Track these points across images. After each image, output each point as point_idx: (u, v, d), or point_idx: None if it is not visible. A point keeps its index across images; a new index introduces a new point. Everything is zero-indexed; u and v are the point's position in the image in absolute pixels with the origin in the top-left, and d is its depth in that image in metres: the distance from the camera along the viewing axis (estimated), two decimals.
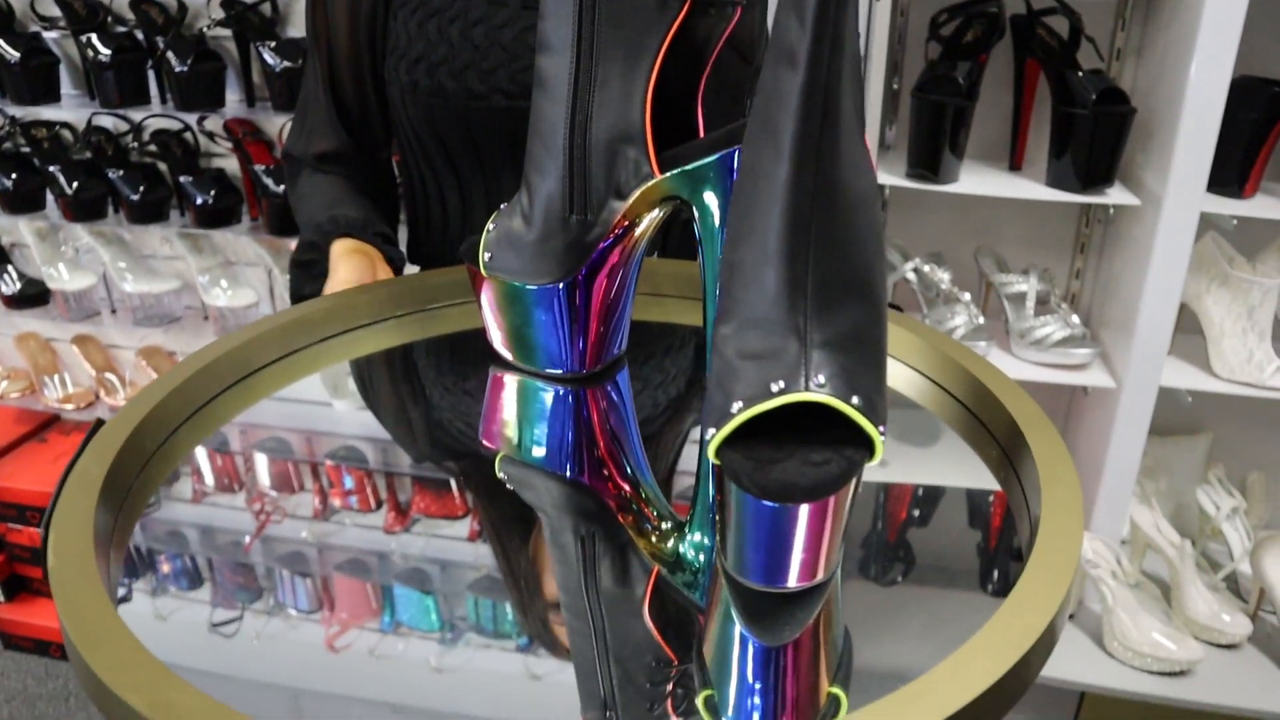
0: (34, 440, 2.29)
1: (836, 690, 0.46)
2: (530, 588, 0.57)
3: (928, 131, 1.56)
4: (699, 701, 0.45)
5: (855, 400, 0.45)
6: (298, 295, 0.97)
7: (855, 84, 0.44)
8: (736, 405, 0.45)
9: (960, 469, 0.71)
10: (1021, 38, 1.63)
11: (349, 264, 0.90)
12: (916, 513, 0.69)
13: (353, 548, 0.62)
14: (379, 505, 0.67)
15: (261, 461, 0.71)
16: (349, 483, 0.69)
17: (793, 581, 0.46)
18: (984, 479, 0.70)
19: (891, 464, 0.71)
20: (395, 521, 0.64)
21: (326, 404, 0.75)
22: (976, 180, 1.62)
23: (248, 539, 0.64)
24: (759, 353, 0.46)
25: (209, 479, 0.67)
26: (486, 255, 0.66)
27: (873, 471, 0.69)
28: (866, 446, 0.47)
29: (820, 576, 0.47)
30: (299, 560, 0.62)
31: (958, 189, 1.59)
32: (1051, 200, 1.58)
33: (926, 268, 1.68)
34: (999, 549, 0.65)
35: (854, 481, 0.46)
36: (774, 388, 0.45)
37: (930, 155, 1.57)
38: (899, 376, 0.76)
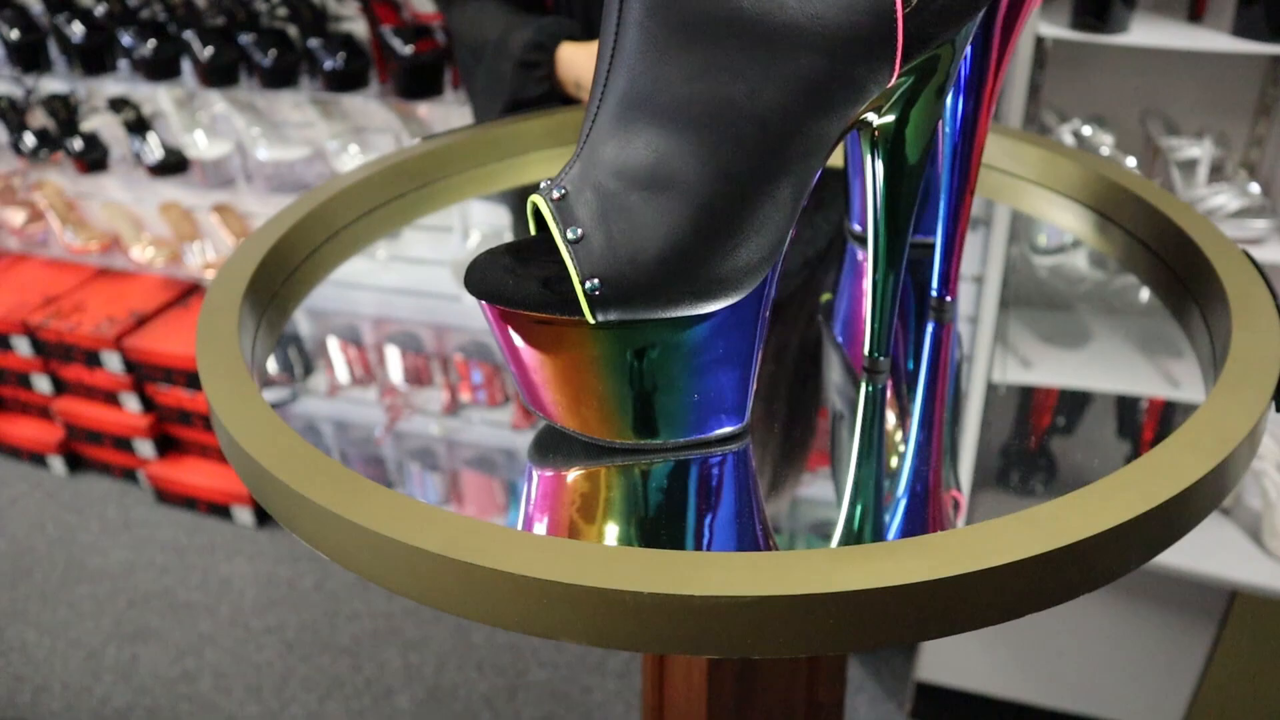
0: (178, 306, 2.37)
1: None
2: None
3: None
4: None
5: (570, 233, 0.41)
6: (516, 100, 0.98)
7: None
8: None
9: (1110, 373, 0.66)
10: None
11: (581, 57, 0.91)
12: (1060, 419, 0.63)
13: (481, 444, 0.62)
14: (506, 400, 0.65)
15: (393, 355, 0.70)
16: (477, 377, 0.68)
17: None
18: (1136, 384, 0.64)
19: (1036, 366, 0.65)
20: (523, 418, 0.62)
21: (455, 297, 0.74)
22: (1150, 30, 1.46)
23: (379, 433, 0.64)
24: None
25: (342, 373, 0.68)
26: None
27: (1016, 374, 0.63)
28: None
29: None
30: (428, 455, 0.62)
31: (1128, 39, 1.44)
32: (1235, 52, 1.42)
33: (1086, 130, 1.55)
34: None
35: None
36: (544, 183, 0.43)
37: (1099, 1, 1.42)
38: (1055, 208, 0.71)
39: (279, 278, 0.62)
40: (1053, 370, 0.66)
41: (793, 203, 0.42)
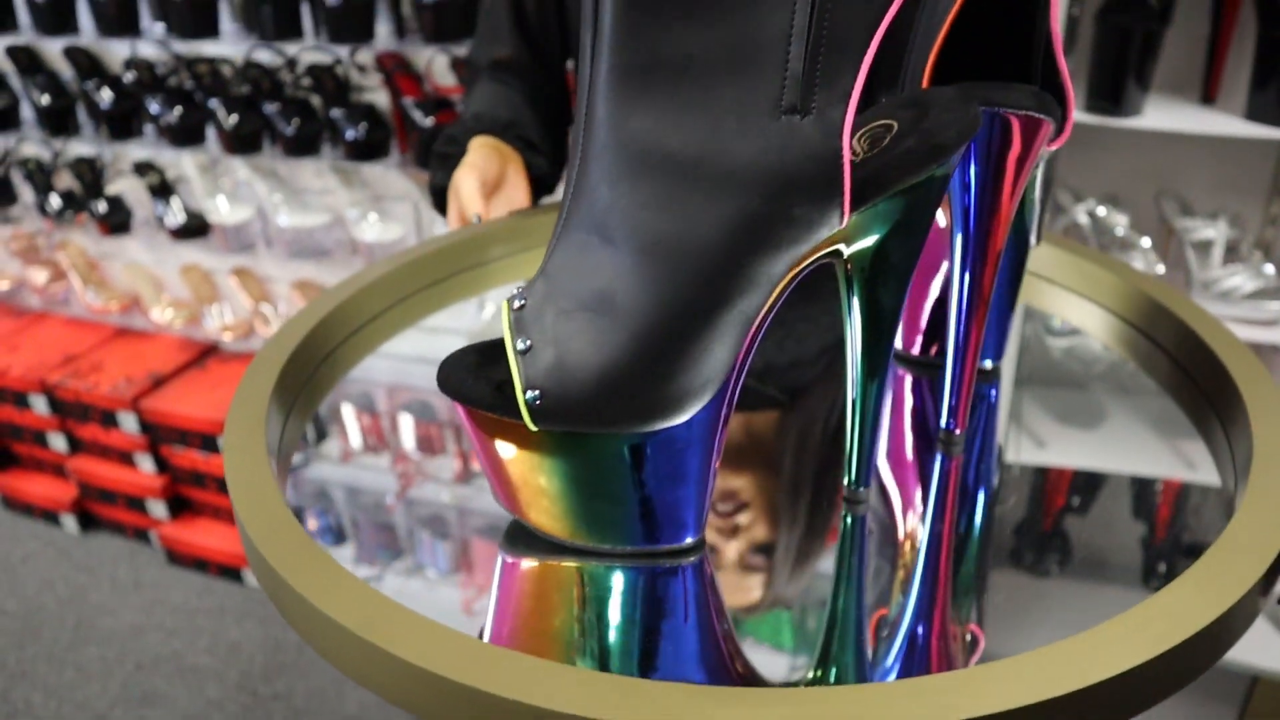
0: (195, 368, 2.39)
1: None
2: None
3: (1112, 60, 1.42)
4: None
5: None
6: (434, 187, 0.99)
7: None
8: None
9: (1125, 454, 0.66)
10: None
11: (478, 153, 0.89)
12: (1075, 500, 0.63)
13: (491, 512, 0.62)
14: None
15: (406, 423, 0.71)
16: None
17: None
18: (1151, 466, 0.64)
19: (1049, 446, 0.65)
20: None
21: None
22: (1163, 113, 1.47)
23: (391, 499, 0.65)
24: None
25: (355, 439, 0.69)
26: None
27: (1030, 454, 0.63)
28: None
29: None
30: (439, 523, 0.62)
31: (1141, 122, 1.45)
32: (1249, 136, 1.43)
33: (1101, 210, 1.55)
34: (1167, 543, 0.59)
35: None
36: (516, 288, 0.45)
37: (1113, 85, 1.43)
38: (1075, 311, 0.70)
39: (304, 375, 0.62)
40: (1067, 450, 0.65)
41: (737, 336, 0.42)
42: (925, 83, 0.52)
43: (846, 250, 0.45)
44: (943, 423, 0.57)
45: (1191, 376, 0.62)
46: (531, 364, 0.42)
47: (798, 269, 0.43)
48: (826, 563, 0.52)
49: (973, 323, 0.54)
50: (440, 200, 0.96)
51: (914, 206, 0.44)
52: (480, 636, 0.45)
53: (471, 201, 0.86)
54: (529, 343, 0.43)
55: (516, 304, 0.44)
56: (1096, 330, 0.70)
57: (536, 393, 0.42)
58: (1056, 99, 0.52)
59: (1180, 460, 0.61)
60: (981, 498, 0.57)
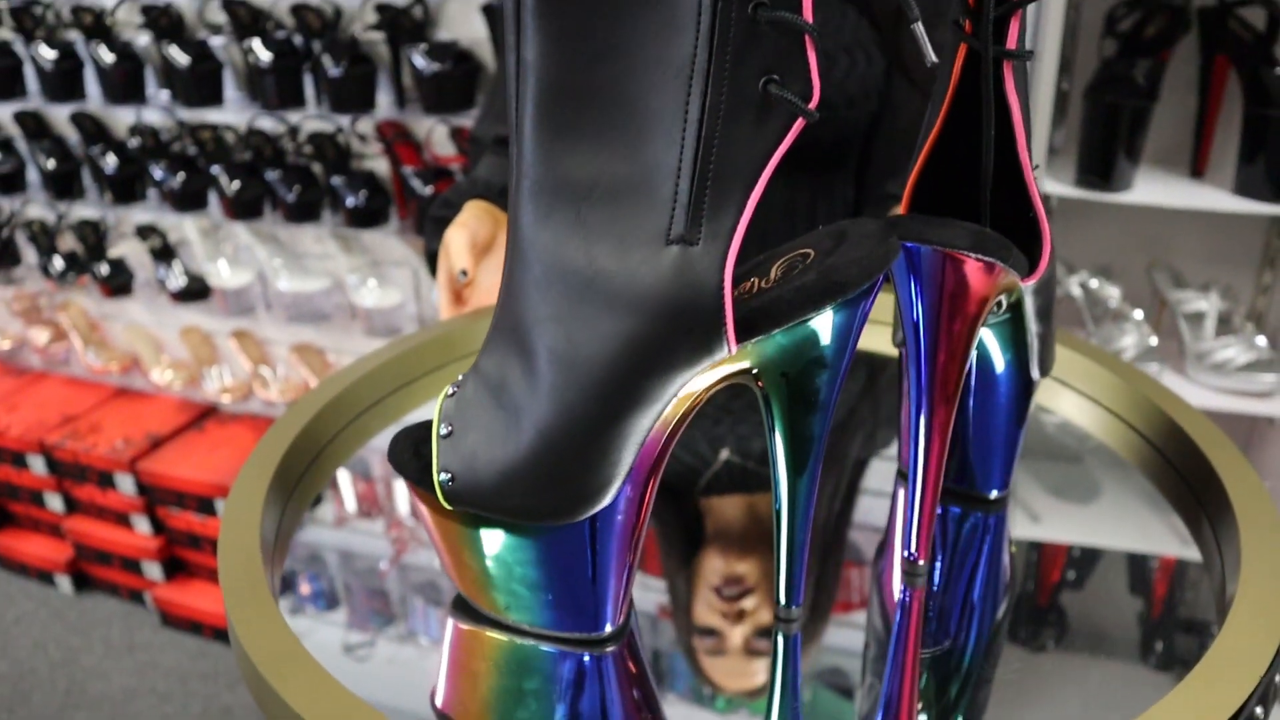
0: (193, 430, 2.39)
1: None
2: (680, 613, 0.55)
3: (1101, 135, 1.45)
4: None
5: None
6: (429, 252, 1.01)
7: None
8: None
9: (1120, 530, 0.66)
10: (1210, 32, 1.49)
11: (470, 213, 0.91)
12: (1071, 574, 0.63)
13: None
14: None
15: (401, 489, 0.71)
16: None
17: None
18: (1147, 542, 0.64)
19: (1045, 521, 0.65)
20: None
21: None
22: (1153, 188, 1.50)
23: (384, 565, 0.65)
24: None
25: (350, 504, 0.69)
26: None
27: (1025, 529, 0.64)
28: None
29: None
30: (432, 590, 0.62)
31: (1132, 198, 1.47)
32: (1238, 211, 1.45)
33: (1094, 283, 1.57)
34: (1164, 619, 0.60)
35: None
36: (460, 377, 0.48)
37: (1102, 160, 1.46)
38: (1065, 402, 0.70)
39: (298, 471, 0.62)
40: (1063, 525, 0.65)
41: (632, 447, 0.43)
42: (904, 205, 0.52)
43: (757, 374, 0.45)
44: (908, 551, 0.55)
45: (1177, 469, 0.62)
46: (449, 449, 0.46)
47: (710, 388, 0.44)
48: (834, 639, 0.52)
49: (930, 458, 0.52)
50: (435, 264, 0.97)
51: (820, 339, 0.44)
52: (432, 695, 0.48)
53: (459, 257, 0.87)
54: (450, 429, 0.46)
55: (450, 391, 0.47)
56: (1082, 420, 0.71)
57: (449, 475, 0.45)
58: (1032, 233, 0.51)
59: (1175, 536, 0.61)
60: (976, 624, 0.56)
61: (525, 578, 0.47)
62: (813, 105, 0.39)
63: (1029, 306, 0.54)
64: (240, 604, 0.48)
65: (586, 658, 0.49)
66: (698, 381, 0.44)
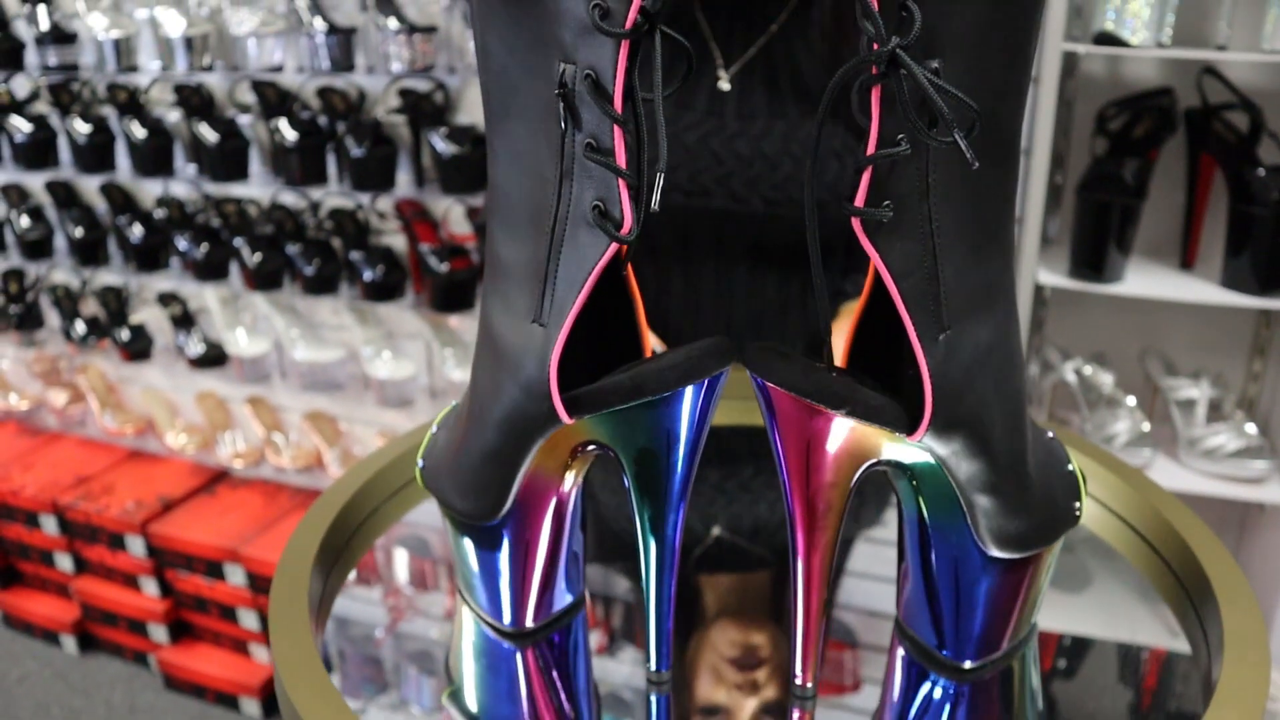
0: (204, 493, 2.42)
1: None
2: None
3: (1092, 230, 1.51)
4: None
5: None
6: None
7: None
8: None
9: (1111, 619, 0.67)
10: (1197, 132, 1.56)
11: None
12: (1062, 663, 0.64)
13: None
14: None
15: (401, 557, 0.73)
16: None
17: None
18: (1137, 632, 0.66)
19: (1038, 609, 0.68)
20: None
21: None
22: (1144, 280, 1.55)
23: (380, 633, 0.66)
24: None
25: (349, 571, 0.70)
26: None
27: None
28: None
29: None
30: (426, 659, 0.63)
31: (1124, 289, 1.53)
32: (1226, 304, 1.50)
33: (1088, 369, 1.62)
34: (1153, 710, 0.62)
35: None
36: None
37: (1095, 254, 1.51)
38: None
39: (338, 546, 0.65)
40: (1053, 614, 0.66)
41: (509, 483, 0.53)
42: (844, 350, 0.54)
43: (609, 446, 0.51)
44: (795, 677, 0.54)
45: (1165, 560, 0.64)
46: (431, 443, 0.59)
47: (575, 448, 0.52)
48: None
49: (811, 580, 0.52)
50: None
51: (661, 422, 0.50)
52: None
53: None
54: (437, 430, 0.60)
55: (452, 404, 0.61)
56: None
57: (423, 464, 0.59)
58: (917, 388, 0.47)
59: (1165, 627, 0.63)
60: None
61: (463, 560, 0.58)
62: (624, 232, 0.46)
63: (956, 472, 0.49)
64: (294, 679, 0.51)
65: (505, 644, 0.58)
66: (562, 442, 0.52)
